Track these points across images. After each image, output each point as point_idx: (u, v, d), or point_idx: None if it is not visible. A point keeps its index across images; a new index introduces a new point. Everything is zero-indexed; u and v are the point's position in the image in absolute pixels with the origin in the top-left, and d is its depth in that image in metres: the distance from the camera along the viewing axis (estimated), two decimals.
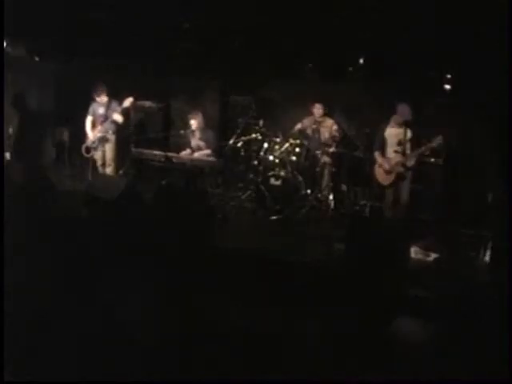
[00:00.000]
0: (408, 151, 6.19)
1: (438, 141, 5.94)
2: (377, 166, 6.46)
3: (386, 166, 6.31)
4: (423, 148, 6.07)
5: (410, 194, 6.30)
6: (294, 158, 7.31)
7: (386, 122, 6.40)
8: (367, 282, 4.69)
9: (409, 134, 6.17)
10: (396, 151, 6.25)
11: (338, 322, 4.18)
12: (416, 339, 4.21)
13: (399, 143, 6.22)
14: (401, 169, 6.22)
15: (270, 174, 7.31)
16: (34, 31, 7.75)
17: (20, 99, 8.32)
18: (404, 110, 6.20)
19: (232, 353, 2.95)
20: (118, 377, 2.46)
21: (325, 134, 7.63)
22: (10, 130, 7.96)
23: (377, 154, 6.43)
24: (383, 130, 6.39)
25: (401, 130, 6.24)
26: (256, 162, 7.54)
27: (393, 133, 6.32)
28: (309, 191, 7.22)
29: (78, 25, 7.39)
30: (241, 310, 4.27)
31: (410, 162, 6.17)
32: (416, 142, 6.13)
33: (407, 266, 5.13)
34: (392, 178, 6.30)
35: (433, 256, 5.73)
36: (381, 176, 6.43)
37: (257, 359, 2.94)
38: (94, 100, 7.50)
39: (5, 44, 7.59)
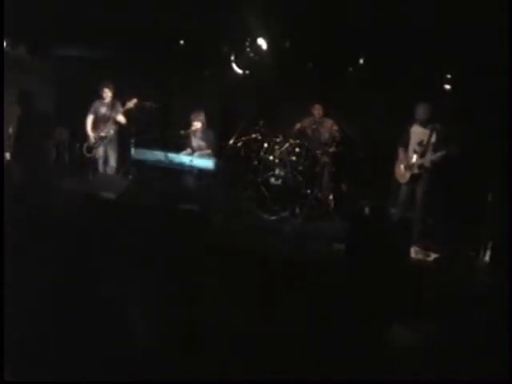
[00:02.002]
0: (429, 153, 6.03)
1: (451, 150, 5.79)
2: (398, 162, 6.34)
3: (404, 164, 6.21)
4: (438, 154, 5.89)
5: (424, 194, 6.11)
6: (293, 157, 7.31)
7: (411, 119, 6.22)
8: (367, 281, 4.69)
9: (433, 136, 5.99)
10: (415, 151, 6.15)
11: (338, 321, 4.18)
12: (416, 339, 4.21)
13: (420, 143, 6.10)
14: (416, 170, 6.10)
15: (270, 173, 7.32)
16: (34, 31, 7.74)
17: (20, 99, 8.32)
18: (419, 110, 6.09)
19: (231, 353, 2.95)
20: (118, 377, 2.46)
21: (325, 134, 7.64)
22: (10, 130, 7.96)
23: (400, 150, 6.28)
24: (409, 127, 6.22)
25: (424, 131, 6.07)
26: (256, 162, 7.54)
27: (416, 131, 6.16)
28: (309, 191, 7.22)
29: (77, 25, 7.38)
30: (241, 309, 4.27)
31: (426, 164, 6.03)
32: (438, 144, 5.97)
33: (407, 265, 5.14)
34: (408, 176, 6.19)
35: (433, 256, 5.73)
36: (399, 173, 6.33)
37: (257, 359, 2.94)
38: (97, 98, 7.53)
39: (5, 44, 7.58)
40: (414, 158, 6.12)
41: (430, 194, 6.23)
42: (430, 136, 6.01)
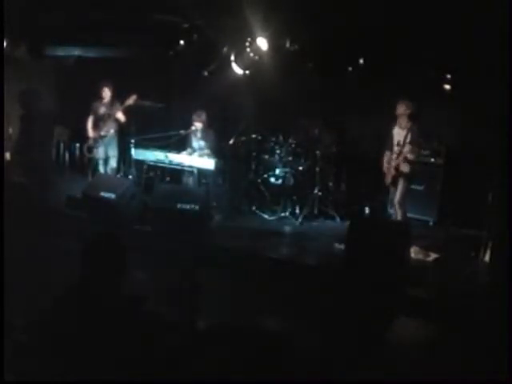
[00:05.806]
0: (408, 153, 6.07)
1: (412, 150, 5.92)
2: (384, 164, 6.36)
3: (387, 166, 6.24)
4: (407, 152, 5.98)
5: (406, 194, 6.17)
6: (293, 158, 7.31)
7: (394, 121, 6.25)
8: (367, 281, 4.69)
9: (409, 136, 6.03)
10: (395, 152, 6.16)
11: (339, 321, 4.18)
12: (416, 339, 4.22)
13: (398, 144, 6.12)
14: (394, 172, 6.13)
15: (270, 173, 7.32)
16: (34, 31, 7.74)
17: (20, 99, 8.31)
18: (399, 107, 6.10)
19: (231, 352, 2.95)
20: (119, 377, 2.46)
21: (324, 135, 7.62)
22: (10, 130, 7.95)
23: (386, 154, 6.31)
24: (392, 129, 6.26)
25: (401, 132, 6.09)
26: (256, 162, 7.54)
27: (396, 132, 6.19)
28: (309, 191, 7.22)
29: (77, 25, 7.38)
30: (240, 309, 4.27)
31: (404, 167, 6.07)
32: (415, 144, 6.00)
33: (407, 265, 5.14)
34: (390, 178, 6.22)
35: (433, 256, 5.73)
36: (386, 175, 6.34)
37: (256, 359, 2.94)
38: (97, 99, 7.53)
39: (5, 44, 7.57)
40: (394, 160, 6.16)
41: (417, 192, 6.30)
42: (406, 136, 6.04)
